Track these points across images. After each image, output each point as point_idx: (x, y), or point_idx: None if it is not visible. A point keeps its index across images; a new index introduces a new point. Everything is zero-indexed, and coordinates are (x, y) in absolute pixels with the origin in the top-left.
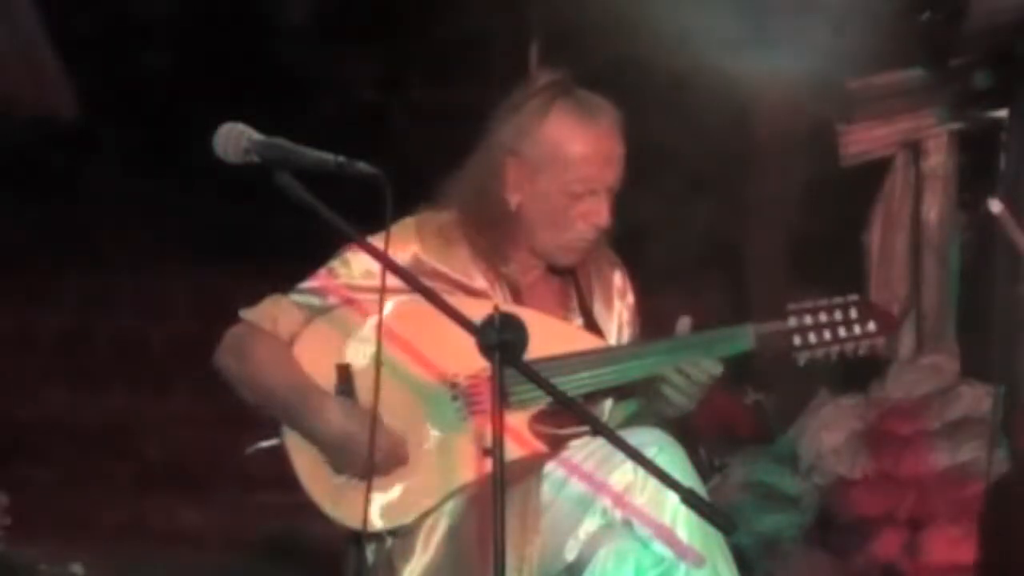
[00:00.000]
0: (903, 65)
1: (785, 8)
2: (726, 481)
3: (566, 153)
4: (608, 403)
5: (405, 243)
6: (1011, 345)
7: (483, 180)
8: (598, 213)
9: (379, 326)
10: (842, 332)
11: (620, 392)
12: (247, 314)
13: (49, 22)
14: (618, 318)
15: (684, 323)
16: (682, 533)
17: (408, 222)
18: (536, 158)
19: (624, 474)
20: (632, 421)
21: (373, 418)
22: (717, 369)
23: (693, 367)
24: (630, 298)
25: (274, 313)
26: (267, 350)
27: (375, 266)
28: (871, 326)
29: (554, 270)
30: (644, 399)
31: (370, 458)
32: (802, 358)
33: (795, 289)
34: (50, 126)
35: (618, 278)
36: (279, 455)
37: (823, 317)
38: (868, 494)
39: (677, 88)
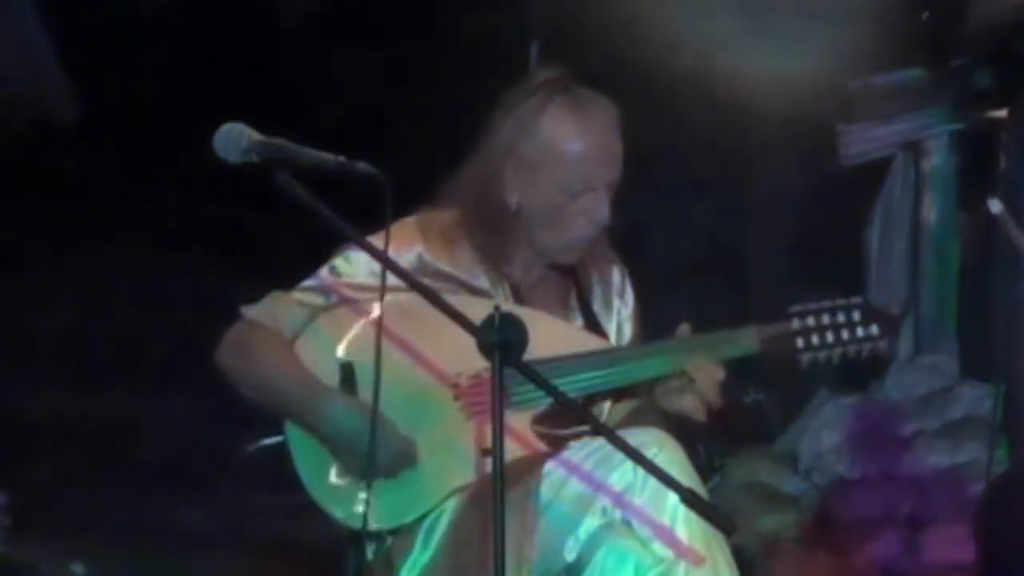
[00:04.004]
0: (903, 65)
1: (785, 8)
2: (726, 481)
3: (564, 151)
4: (607, 403)
5: (409, 243)
6: (1011, 345)
7: (482, 179)
8: (597, 210)
9: (380, 326)
10: (845, 335)
11: (620, 393)
12: (248, 311)
13: (49, 22)
14: (617, 317)
15: (684, 330)
16: (682, 533)
17: (410, 222)
18: (534, 156)
19: (624, 474)
20: (632, 420)
21: (373, 419)
22: (719, 373)
23: (696, 370)
24: (629, 296)
25: (275, 310)
26: (269, 348)
27: (377, 265)
28: (874, 329)
29: (555, 268)
30: (648, 396)
31: (370, 458)
32: (805, 360)
33: (795, 289)
34: (50, 126)
35: (616, 276)
36: (279, 454)
37: (826, 319)
38: (868, 494)
39: (677, 88)
